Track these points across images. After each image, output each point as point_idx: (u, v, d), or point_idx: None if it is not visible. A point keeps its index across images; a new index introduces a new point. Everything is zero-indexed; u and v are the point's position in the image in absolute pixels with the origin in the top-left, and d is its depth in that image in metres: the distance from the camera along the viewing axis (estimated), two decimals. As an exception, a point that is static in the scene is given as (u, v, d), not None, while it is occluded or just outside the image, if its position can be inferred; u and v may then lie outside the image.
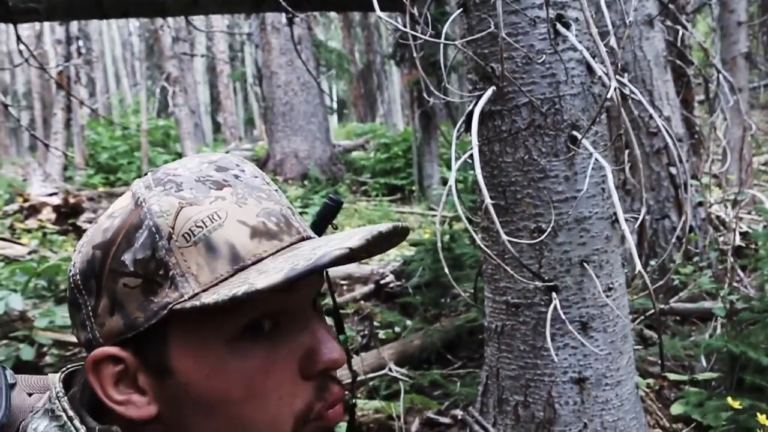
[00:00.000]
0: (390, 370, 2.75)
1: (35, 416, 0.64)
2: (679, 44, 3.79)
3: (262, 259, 0.60)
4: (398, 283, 3.84)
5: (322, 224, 0.78)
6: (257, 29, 11.55)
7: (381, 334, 3.33)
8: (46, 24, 12.55)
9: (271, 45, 11.28)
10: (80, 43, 13.30)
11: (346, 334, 0.79)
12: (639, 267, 1.51)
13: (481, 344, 2.44)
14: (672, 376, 2.43)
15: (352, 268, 4.47)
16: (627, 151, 1.86)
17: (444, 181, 8.49)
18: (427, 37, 1.66)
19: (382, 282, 3.93)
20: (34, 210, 7.33)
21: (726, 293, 2.49)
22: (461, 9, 1.82)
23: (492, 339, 1.95)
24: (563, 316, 1.65)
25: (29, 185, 10.16)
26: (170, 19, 8.75)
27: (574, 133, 1.72)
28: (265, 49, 11.36)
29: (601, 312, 1.79)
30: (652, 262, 3.22)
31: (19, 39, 2.98)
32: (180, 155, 12.78)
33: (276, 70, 11.32)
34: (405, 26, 1.75)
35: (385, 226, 0.60)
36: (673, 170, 3.41)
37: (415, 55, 1.87)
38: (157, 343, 0.60)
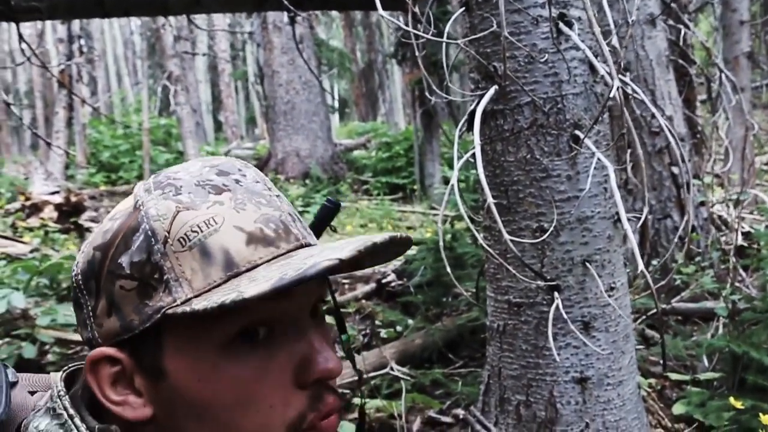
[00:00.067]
0: (391, 369, 2.75)
1: (37, 414, 0.64)
2: (681, 43, 3.79)
3: (257, 266, 0.59)
4: (400, 282, 3.84)
5: (320, 226, 0.79)
6: (259, 28, 11.56)
7: (383, 333, 3.33)
8: (48, 23, 12.56)
9: (272, 44, 11.28)
10: (82, 41, 13.30)
11: (348, 333, 0.79)
12: (641, 267, 1.51)
13: (482, 343, 2.44)
14: (674, 376, 2.43)
15: (354, 268, 4.46)
16: (629, 151, 1.86)
17: (446, 180, 8.49)
18: (429, 36, 1.67)
19: (384, 281, 3.93)
20: (35, 208, 7.34)
21: (728, 293, 2.49)
22: (463, 8, 1.82)
23: (494, 338, 1.95)
24: (565, 316, 1.65)
25: (31, 184, 10.19)
26: (172, 18, 8.75)
27: (577, 132, 1.71)
28: (267, 47, 11.37)
29: (603, 312, 1.79)
30: (654, 262, 3.21)
31: (21, 38, 2.98)
32: (181, 154, 12.77)
33: (278, 69, 11.32)
34: (407, 25, 1.74)
35: (380, 237, 0.59)
36: (675, 170, 3.41)
37: (416, 54, 1.86)
38: (151, 345, 0.60)
